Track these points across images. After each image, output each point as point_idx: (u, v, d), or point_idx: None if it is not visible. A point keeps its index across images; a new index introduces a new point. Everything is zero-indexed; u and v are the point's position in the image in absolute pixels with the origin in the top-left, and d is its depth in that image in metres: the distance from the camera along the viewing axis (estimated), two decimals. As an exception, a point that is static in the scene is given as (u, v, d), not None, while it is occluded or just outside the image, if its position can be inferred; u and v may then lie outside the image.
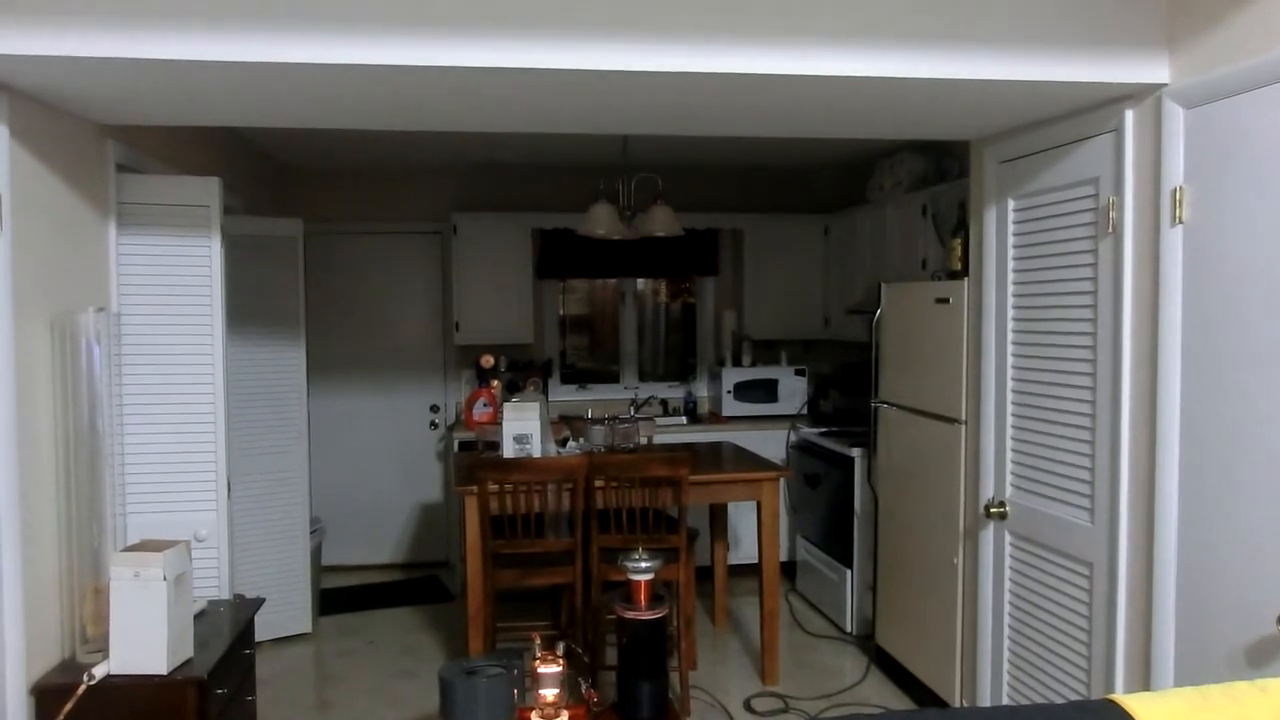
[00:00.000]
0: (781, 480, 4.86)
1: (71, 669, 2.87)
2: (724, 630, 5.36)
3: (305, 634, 5.24)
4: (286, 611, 5.10)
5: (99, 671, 2.78)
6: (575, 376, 6.95)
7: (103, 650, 2.88)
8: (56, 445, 2.94)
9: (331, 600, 5.90)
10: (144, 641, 2.81)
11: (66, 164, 3.03)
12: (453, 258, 6.31)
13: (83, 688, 2.75)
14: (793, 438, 6.17)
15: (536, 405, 4.52)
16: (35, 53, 2.35)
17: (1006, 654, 3.61)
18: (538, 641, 3.29)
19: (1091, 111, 3.06)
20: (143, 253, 3.49)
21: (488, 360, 6.29)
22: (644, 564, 3.52)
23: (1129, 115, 2.89)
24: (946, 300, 4.00)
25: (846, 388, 6.00)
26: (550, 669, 3.15)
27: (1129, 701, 1.54)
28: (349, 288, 6.61)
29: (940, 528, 4.06)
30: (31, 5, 2.33)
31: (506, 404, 4.58)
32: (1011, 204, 3.54)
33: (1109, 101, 2.96)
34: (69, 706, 2.74)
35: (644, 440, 5.08)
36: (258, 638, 3.91)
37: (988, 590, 3.70)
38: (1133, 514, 2.92)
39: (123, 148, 3.44)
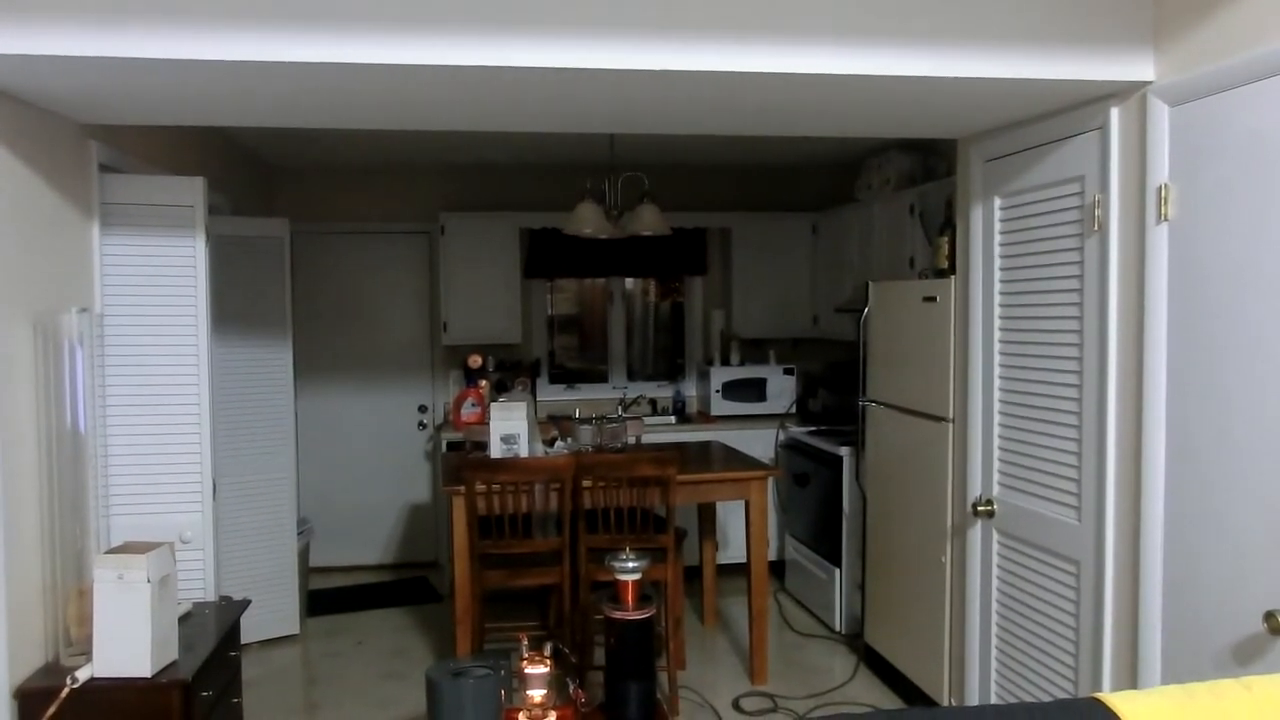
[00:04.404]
0: (770, 479, 4.85)
1: (55, 672, 2.85)
2: (713, 629, 5.36)
3: (293, 635, 5.22)
4: (274, 613, 5.08)
5: (82, 674, 2.76)
6: (563, 376, 6.94)
7: (86, 653, 2.85)
8: (39, 447, 2.92)
9: (319, 601, 5.88)
10: (128, 644, 2.80)
11: (49, 164, 3.01)
12: (440, 258, 6.29)
13: (66, 691, 2.73)
14: (781, 437, 6.17)
15: (524, 405, 4.51)
16: (16, 52, 2.32)
17: (994, 652, 3.61)
18: (525, 642, 3.28)
19: (1077, 109, 3.06)
20: (127, 253, 3.46)
21: (476, 360, 6.27)
22: (631, 564, 3.51)
23: (1114, 113, 2.90)
24: (934, 299, 4.00)
25: (835, 386, 6.01)
26: (538, 670, 3.14)
27: (1114, 700, 1.54)
28: (336, 288, 6.59)
29: (928, 526, 4.06)
30: (11, 3, 2.30)
31: (494, 404, 4.57)
32: (998, 202, 3.54)
33: (1094, 99, 2.96)
34: (52, 710, 2.72)
35: (632, 440, 5.07)
36: (245, 639, 3.89)
37: (975, 589, 3.70)
38: (1119, 512, 2.93)
39: (106, 148, 3.41)
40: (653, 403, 6.83)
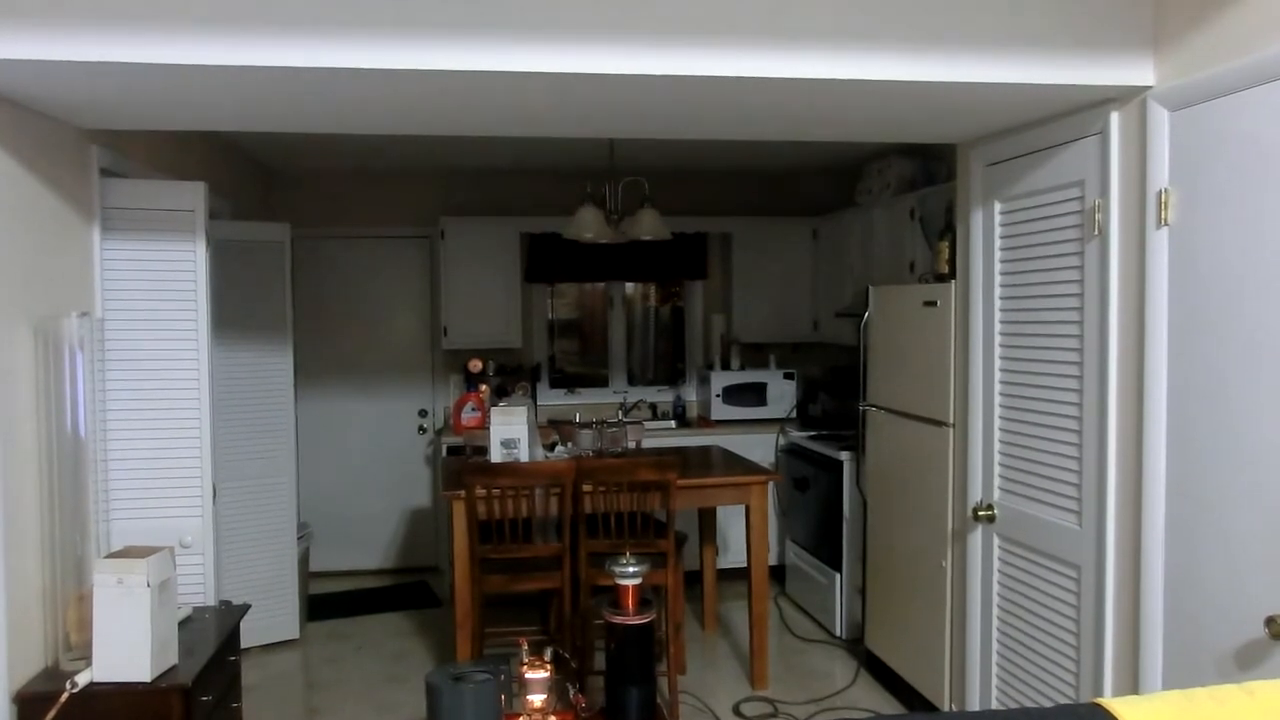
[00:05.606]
0: (770, 484, 4.85)
1: (55, 677, 2.84)
2: (713, 634, 5.35)
3: (293, 640, 5.21)
4: (274, 617, 5.07)
5: (82, 679, 2.76)
6: (564, 381, 6.93)
7: (86, 658, 2.85)
8: (39, 451, 2.92)
9: (319, 606, 5.87)
10: (127, 649, 2.79)
11: (50, 169, 3.01)
12: (441, 262, 6.29)
13: (65, 696, 2.73)
14: (782, 441, 6.17)
15: (524, 410, 4.51)
16: (17, 56, 2.33)
17: (995, 657, 3.61)
18: (525, 647, 3.27)
19: (1077, 114, 3.06)
20: (127, 258, 3.46)
21: (476, 364, 6.27)
22: (631, 569, 3.51)
23: (1114, 118, 2.90)
24: (934, 303, 4.00)
25: (835, 391, 6.00)
26: (538, 674, 3.13)
27: (1114, 705, 1.53)
28: (336, 292, 6.59)
29: (928, 531, 4.06)
30: (12, 8, 2.31)
31: (494, 408, 4.56)
32: (998, 207, 3.54)
33: (1094, 104, 2.97)
34: (52, 714, 2.71)
35: (632, 444, 5.07)
36: (245, 644, 3.88)
37: (976, 593, 3.70)
38: (1120, 517, 2.92)
39: (107, 152, 3.42)
40: (653, 407, 6.82)
